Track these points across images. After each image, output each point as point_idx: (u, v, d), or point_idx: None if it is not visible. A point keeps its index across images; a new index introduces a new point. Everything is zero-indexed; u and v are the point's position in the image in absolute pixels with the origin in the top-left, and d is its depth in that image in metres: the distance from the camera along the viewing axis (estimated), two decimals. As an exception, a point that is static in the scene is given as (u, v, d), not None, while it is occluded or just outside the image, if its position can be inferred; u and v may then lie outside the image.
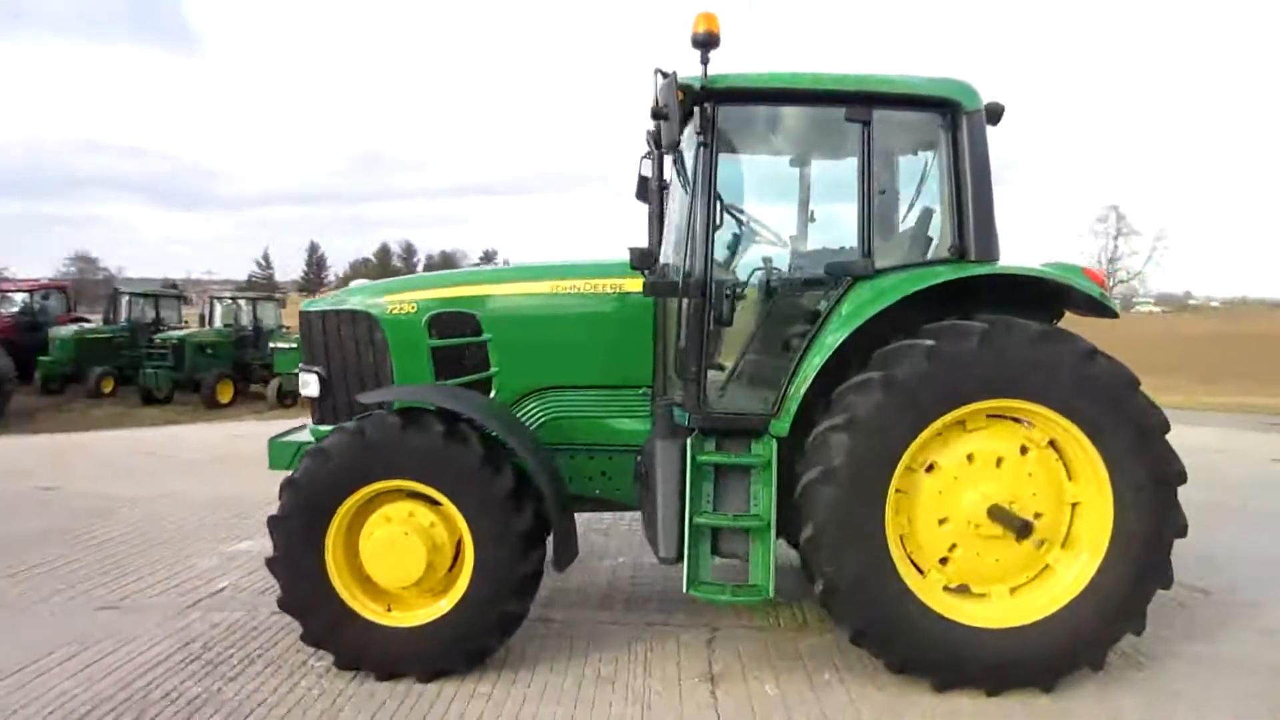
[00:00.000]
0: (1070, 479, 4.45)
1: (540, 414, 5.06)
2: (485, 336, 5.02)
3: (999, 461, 4.41)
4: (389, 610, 4.47)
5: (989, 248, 4.55)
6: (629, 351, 5.01)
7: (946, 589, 4.49)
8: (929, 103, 4.58)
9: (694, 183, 4.42)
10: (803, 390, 4.37)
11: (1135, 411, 4.30)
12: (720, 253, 4.77)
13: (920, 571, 4.47)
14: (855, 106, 4.50)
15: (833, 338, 4.36)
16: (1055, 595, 4.43)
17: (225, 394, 20.81)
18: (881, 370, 4.24)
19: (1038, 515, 4.41)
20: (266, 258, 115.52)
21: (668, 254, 4.86)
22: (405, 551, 4.29)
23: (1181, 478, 4.34)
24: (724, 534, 4.50)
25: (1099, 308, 4.65)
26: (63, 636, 4.98)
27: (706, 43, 4.30)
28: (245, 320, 23.16)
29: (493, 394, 5.01)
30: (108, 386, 20.97)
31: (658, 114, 4.13)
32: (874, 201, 4.53)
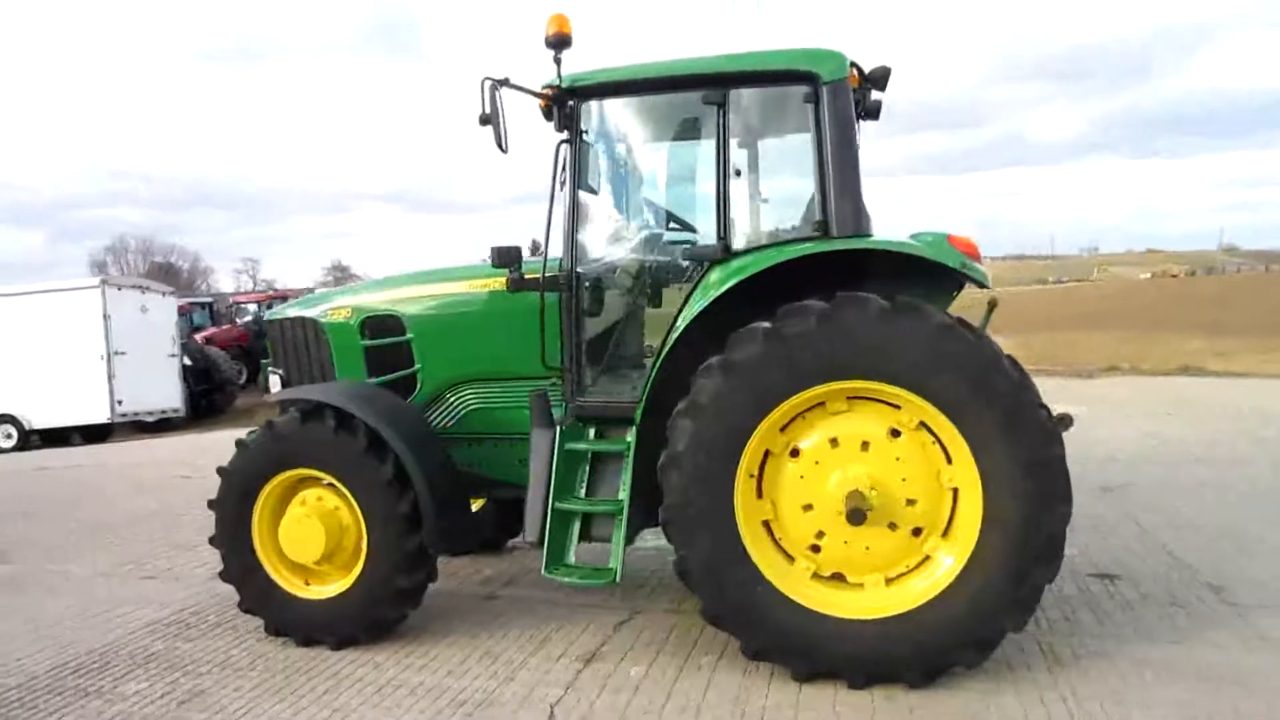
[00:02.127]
0: (950, 463, 4.17)
1: (462, 406, 5.41)
2: (409, 336, 5.44)
3: (865, 445, 4.22)
4: (307, 584, 5.01)
5: (853, 223, 4.34)
6: (539, 344, 5.23)
7: (818, 577, 4.35)
8: (787, 77, 4.44)
9: (555, 178, 4.59)
10: (651, 377, 4.41)
11: (1001, 390, 3.96)
12: (598, 244, 4.88)
13: (790, 558, 4.38)
14: (711, 89, 4.48)
15: (680, 323, 4.37)
16: (929, 587, 4.17)
17: None
18: (723, 354, 4.20)
19: (911, 502, 4.18)
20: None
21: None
22: (308, 531, 4.80)
23: (1060, 460, 3.94)
24: (597, 519, 4.64)
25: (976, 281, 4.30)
26: (99, 596, 6.00)
27: (559, 43, 4.46)
28: None
29: (418, 388, 5.42)
30: None
31: (485, 120, 4.34)
32: (729, 184, 4.47)
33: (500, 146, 4.39)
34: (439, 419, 5.41)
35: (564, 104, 4.64)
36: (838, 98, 4.36)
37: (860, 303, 4.04)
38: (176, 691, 4.50)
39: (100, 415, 17.17)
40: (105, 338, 16.96)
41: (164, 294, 19.43)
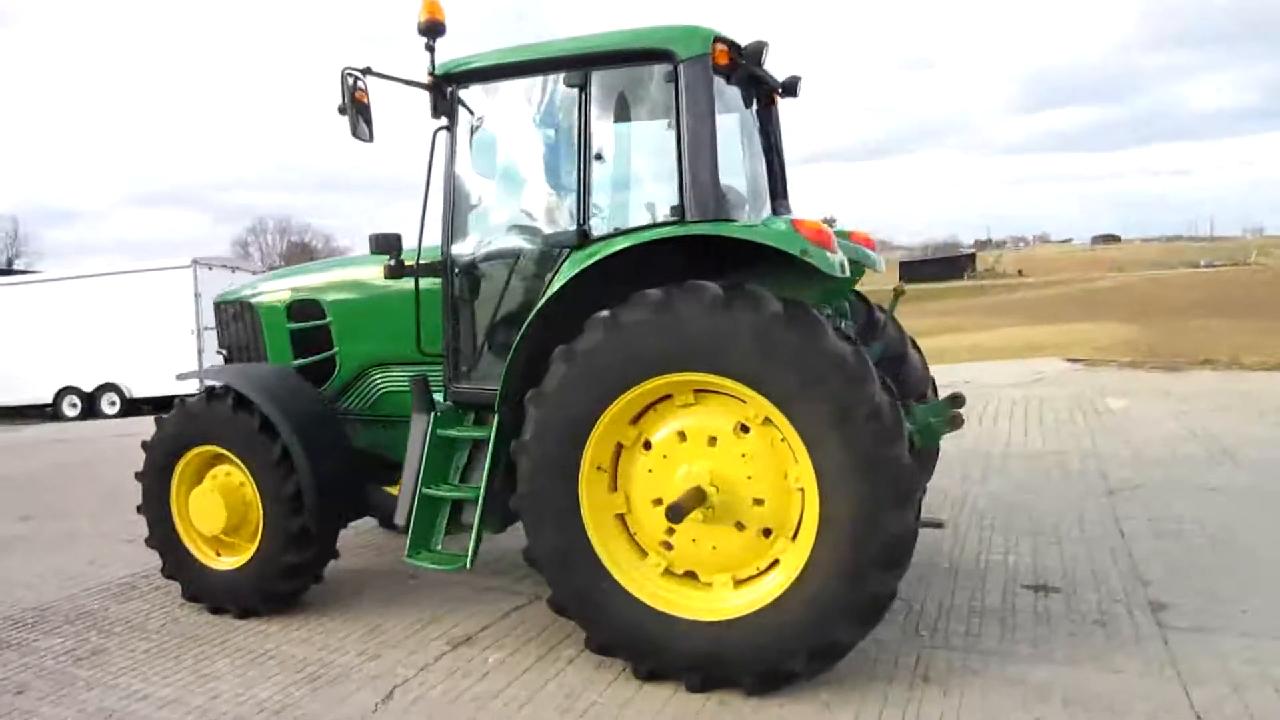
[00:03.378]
0: (797, 462, 3.95)
1: (375, 389, 5.53)
2: (328, 320, 5.60)
3: (712, 440, 4.06)
4: (218, 555, 5.28)
5: (710, 206, 4.15)
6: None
7: (670, 574, 4.23)
8: (646, 56, 4.28)
9: (430, 165, 4.61)
10: (508, 365, 4.37)
11: (832, 383, 3.71)
12: (477, 231, 4.86)
13: (644, 553, 4.27)
14: (572, 70, 4.38)
15: (533, 311, 4.31)
16: (770, 591, 3.98)
17: None
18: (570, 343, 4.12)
19: (759, 501, 4.00)
20: None
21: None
22: (210, 505, 5.05)
23: (897, 460, 3.67)
24: (466, 506, 4.66)
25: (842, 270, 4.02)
26: (80, 555, 6.53)
27: (431, 30, 4.48)
28: None
29: (336, 370, 5.58)
30: None
31: (341, 110, 4.38)
32: (590, 169, 4.36)
33: (360, 135, 4.44)
34: (355, 401, 5.56)
35: (440, 91, 4.64)
36: (694, 76, 4.16)
37: (695, 291, 3.87)
38: (81, 649, 4.86)
39: (191, 386, 18.53)
40: (195, 314, 18.29)
41: (253, 273, 20.71)
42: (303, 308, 5.67)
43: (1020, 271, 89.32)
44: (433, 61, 4.55)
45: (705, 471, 4.01)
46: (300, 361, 5.61)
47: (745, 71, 4.58)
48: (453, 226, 4.73)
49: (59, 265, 43.23)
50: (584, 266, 4.12)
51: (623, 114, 4.66)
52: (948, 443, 8.79)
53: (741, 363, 3.82)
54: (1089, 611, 4.78)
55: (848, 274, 4.09)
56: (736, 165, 5.13)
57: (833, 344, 3.71)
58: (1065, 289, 58.81)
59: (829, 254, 3.88)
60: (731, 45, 4.34)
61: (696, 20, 4.27)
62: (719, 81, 4.46)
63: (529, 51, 4.50)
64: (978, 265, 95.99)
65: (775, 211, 5.37)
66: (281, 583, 5.05)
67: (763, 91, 5.14)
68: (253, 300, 5.87)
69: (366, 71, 4.42)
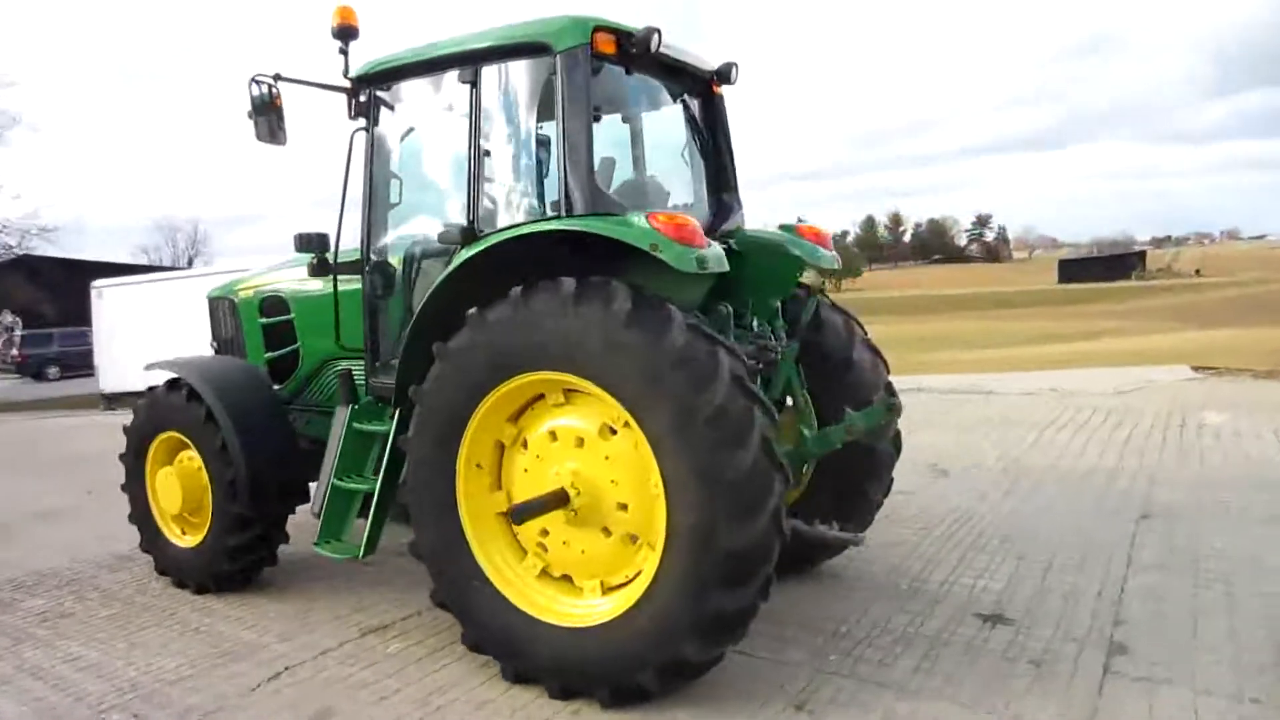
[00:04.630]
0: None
1: (332, 382, 5.72)
2: (291, 315, 5.84)
3: (580, 442, 3.94)
4: (183, 534, 5.62)
5: (582, 202, 4.02)
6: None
7: (548, 576, 4.14)
8: (527, 49, 4.20)
9: (349, 163, 4.73)
10: (399, 361, 4.41)
11: (674, 387, 3.50)
12: (395, 229, 4.93)
13: (524, 553, 4.20)
14: (465, 67, 4.37)
15: (415, 307, 4.34)
16: (626, 600, 3.81)
17: None
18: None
19: (623, 506, 3.85)
20: None
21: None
22: (169, 486, 5.40)
23: (739, 469, 3.42)
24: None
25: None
26: (102, 528, 7.12)
27: (344, 34, 4.60)
28: None
29: (300, 364, 5.81)
30: None
31: (250, 115, 4.54)
32: (481, 166, 4.32)
33: (276, 140, 4.60)
34: (317, 394, 5.77)
35: (356, 94, 4.75)
36: (570, 68, 4.04)
37: (549, 287, 3.77)
38: (53, 611, 5.32)
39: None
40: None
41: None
42: (272, 304, 5.94)
43: (1198, 271, 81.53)
44: (346, 64, 4.65)
45: (569, 473, 3.91)
46: (270, 355, 5.88)
47: (653, 61, 4.40)
48: (369, 225, 4.83)
49: (229, 263, 47.22)
50: (456, 265, 4.10)
51: (515, 109, 4.59)
52: (980, 456, 8.12)
53: (590, 362, 3.69)
54: (1032, 648, 4.29)
55: (719, 269, 3.85)
56: (663, 158, 4.96)
57: (677, 342, 3.50)
58: (1247, 290, 53.11)
59: (688, 248, 3.67)
60: (620, 34, 4.18)
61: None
62: (615, 72, 4.33)
63: (430, 50, 4.51)
64: (1148, 264, 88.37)
65: (721, 204, 5.15)
66: (226, 563, 5.31)
67: (697, 82, 4.93)
68: (234, 296, 6.21)
69: (277, 78, 4.58)
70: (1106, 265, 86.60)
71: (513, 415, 4.14)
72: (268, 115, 4.57)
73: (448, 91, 4.54)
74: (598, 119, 4.28)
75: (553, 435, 4.01)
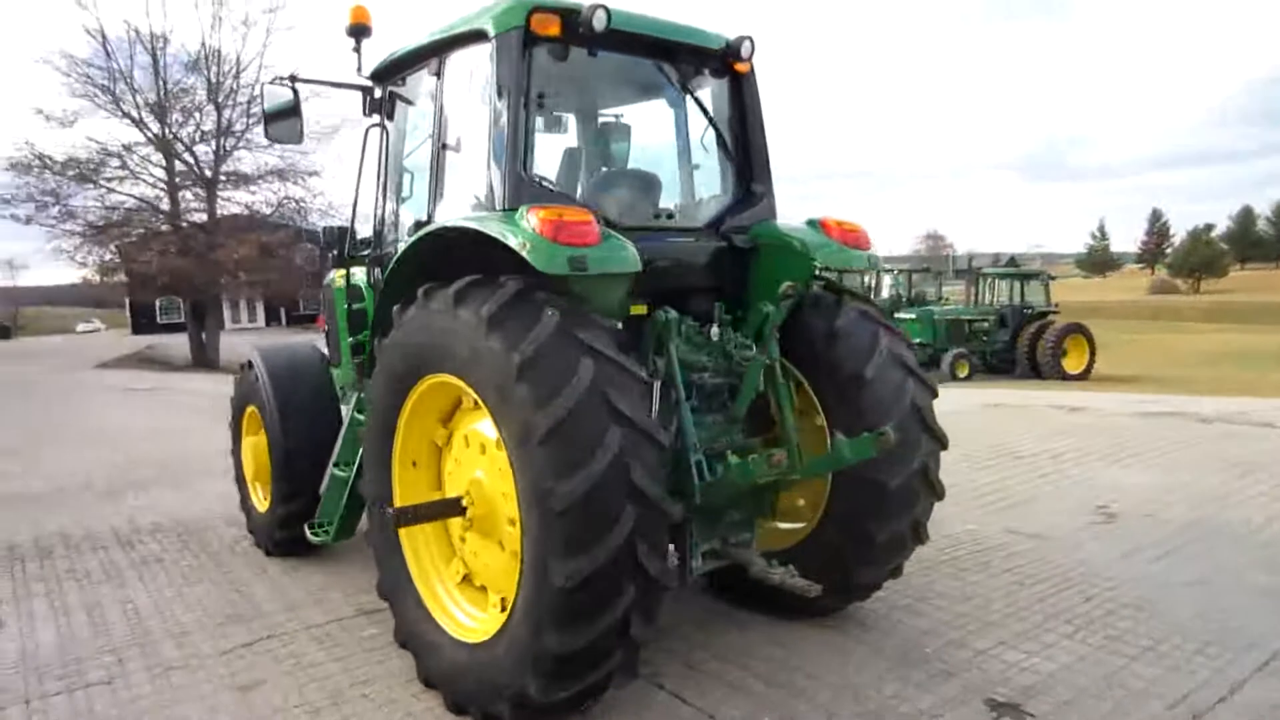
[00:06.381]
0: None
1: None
2: (365, 304, 6.20)
3: (484, 449, 3.77)
4: (263, 498, 6.22)
5: (513, 192, 3.81)
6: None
7: (469, 582, 4.02)
8: (471, 37, 4.06)
9: (363, 160, 4.93)
10: (366, 354, 4.49)
11: (517, 401, 3.20)
12: (392, 222, 5.03)
13: (453, 555, 4.11)
14: (434, 59, 4.34)
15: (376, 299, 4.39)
16: (497, 622, 3.58)
17: None
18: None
19: (512, 521, 3.61)
20: (1102, 229, 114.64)
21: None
22: (249, 454, 6.02)
23: (568, 497, 3.05)
24: None
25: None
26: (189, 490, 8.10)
27: (358, 32, 4.81)
28: (1005, 298, 24.86)
29: (367, 351, 6.15)
30: None
31: (268, 118, 4.82)
32: (443, 158, 4.26)
33: (291, 139, 4.89)
34: (380, 381, 6.09)
35: (370, 91, 4.91)
36: (502, 53, 3.83)
37: (442, 287, 3.63)
38: (154, 556, 6.15)
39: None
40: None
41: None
42: (354, 292, 6.35)
43: None
44: (359, 62, 4.82)
45: (469, 482, 3.75)
46: (350, 340, 6.31)
47: (624, 41, 4.06)
48: (381, 219, 4.99)
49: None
50: (391, 265, 4.11)
51: (470, 99, 4.44)
52: (1172, 502, 6.77)
53: (462, 367, 3.51)
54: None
55: (610, 269, 3.44)
56: (666, 148, 4.57)
57: (527, 350, 3.20)
58: None
59: (561, 249, 3.33)
60: (565, 14, 3.87)
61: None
62: (578, 54, 4.05)
63: (416, 43, 4.53)
64: None
65: (745, 195, 4.66)
66: (278, 530, 5.80)
67: (708, 61, 4.47)
68: (330, 283, 6.73)
69: (294, 79, 4.85)
70: None
71: (445, 416, 4.05)
72: (290, 118, 4.86)
73: (428, 84, 4.54)
74: (541, 106, 4.03)
75: (466, 440, 3.87)
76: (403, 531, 4.12)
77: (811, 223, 4.44)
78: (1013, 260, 29.71)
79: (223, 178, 31.16)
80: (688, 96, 4.56)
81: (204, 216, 31.37)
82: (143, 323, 56.98)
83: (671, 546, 4.04)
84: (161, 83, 29.34)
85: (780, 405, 4.13)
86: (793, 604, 4.54)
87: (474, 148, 4.15)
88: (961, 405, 13.15)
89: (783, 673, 4.12)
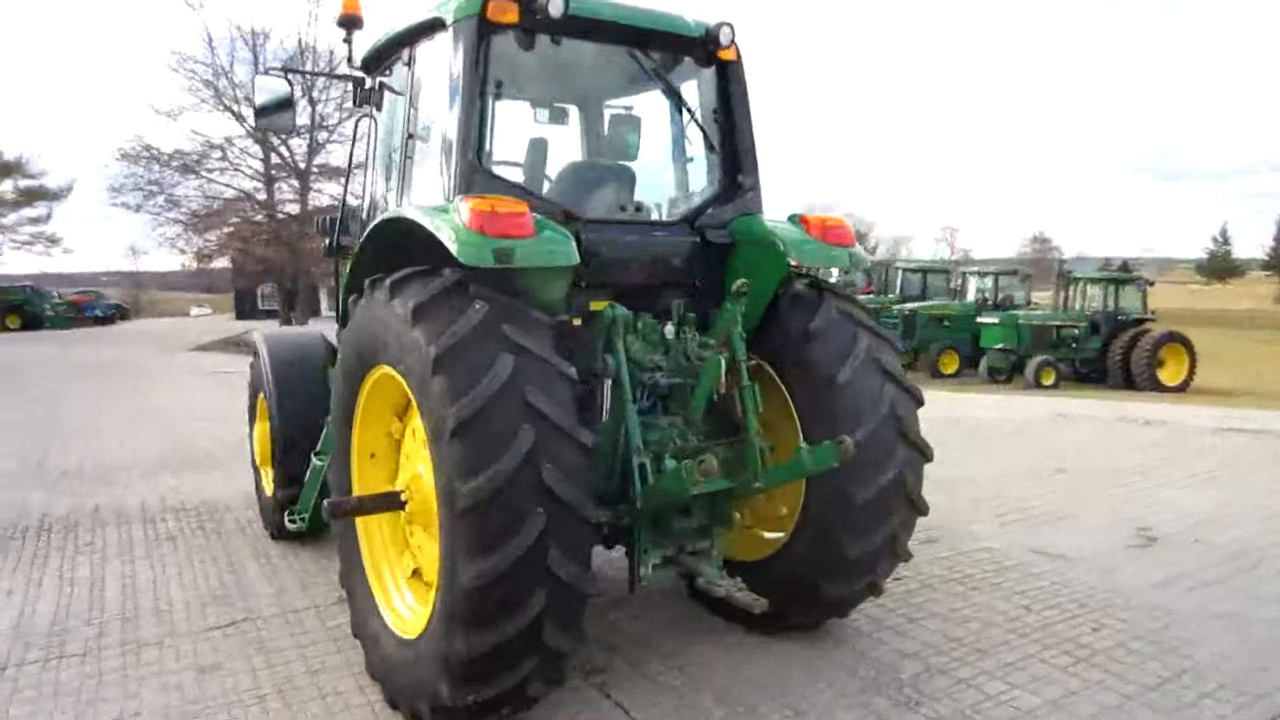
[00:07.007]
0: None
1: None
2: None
3: (426, 442, 3.70)
4: (272, 482, 6.35)
5: (464, 181, 3.74)
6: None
7: (418, 575, 3.97)
8: (432, 26, 4.00)
9: (353, 150, 4.95)
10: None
11: (434, 393, 3.12)
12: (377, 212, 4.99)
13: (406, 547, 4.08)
14: (405, 49, 4.32)
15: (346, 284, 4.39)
16: (423, 620, 3.50)
17: (948, 365, 23.66)
18: None
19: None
20: (1224, 232, 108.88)
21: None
22: (257, 439, 6.16)
23: (471, 497, 2.95)
24: None
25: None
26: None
27: (349, 23, 4.84)
28: (1099, 303, 23.81)
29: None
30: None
31: (261, 112, 4.87)
32: (411, 148, 4.23)
33: (284, 130, 4.94)
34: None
35: (361, 82, 4.91)
36: (457, 42, 3.76)
37: (383, 278, 3.58)
38: (168, 535, 6.34)
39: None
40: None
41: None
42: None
43: None
44: (350, 53, 4.83)
45: (409, 476, 3.70)
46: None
47: (586, 27, 3.93)
48: (367, 210, 5.00)
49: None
50: (354, 257, 4.09)
51: (432, 90, 4.36)
52: (1226, 528, 6.29)
53: (394, 358, 3.46)
54: None
55: (537, 264, 3.33)
56: (650, 139, 4.44)
57: (444, 344, 3.11)
58: None
59: (487, 240, 3.22)
60: (523, 0, 3.76)
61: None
62: (542, 41, 3.94)
63: (389, 31, 4.51)
64: None
65: (738, 188, 4.48)
66: (278, 514, 5.91)
67: (690, 49, 4.30)
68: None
69: (287, 70, 4.90)
70: None
71: (400, 409, 4.01)
72: (283, 110, 4.92)
73: (400, 74, 4.51)
74: (499, 95, 3.94)
75: (414, 434, 3.82)
76: (359, 523, 4.11)
77: (793, 218, 4.22)
78: (1124, 265, 27.98)
79: (315, 170, 32.43)
80: (666, 86, 4.39)
81: (297, 208, 32.70)
82: (245, 308, 59.71)
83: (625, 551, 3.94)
84: (260, 78, 30.67)
85: (744, 408, 3.93)
86: (773, 620, 4.36)
87: (436, 138, 4.09)
88: (1031, 414, 12.49)
89: (739, 689, 3.92)
